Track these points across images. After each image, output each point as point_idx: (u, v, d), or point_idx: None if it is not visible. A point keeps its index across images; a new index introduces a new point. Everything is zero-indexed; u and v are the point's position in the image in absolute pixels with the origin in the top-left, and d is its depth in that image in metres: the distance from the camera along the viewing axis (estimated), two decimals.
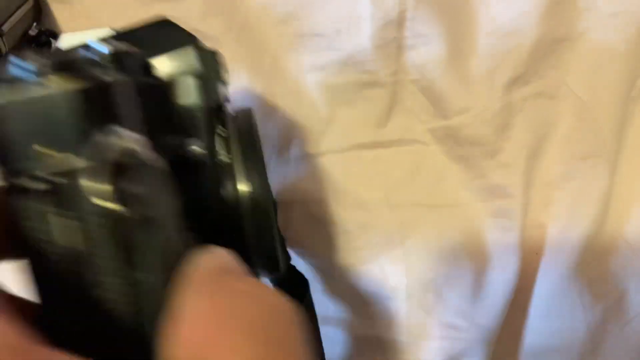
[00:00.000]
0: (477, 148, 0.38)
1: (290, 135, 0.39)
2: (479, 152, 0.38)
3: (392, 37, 0.36)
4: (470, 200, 0.39)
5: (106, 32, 0.22)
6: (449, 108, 0.37)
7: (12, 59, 0.15)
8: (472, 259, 0.39)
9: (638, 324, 0.38)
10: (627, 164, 0.38)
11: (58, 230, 0.15)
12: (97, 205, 0.14)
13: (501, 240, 0.38)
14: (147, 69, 0.21)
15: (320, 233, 0.40)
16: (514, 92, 0.37)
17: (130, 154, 0.15)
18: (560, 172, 0.38)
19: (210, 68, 0.23)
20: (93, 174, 0.14)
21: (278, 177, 0.40)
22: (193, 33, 0.36)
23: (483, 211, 0.39)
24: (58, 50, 0.20)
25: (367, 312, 0.41)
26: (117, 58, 0.17)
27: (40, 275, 0.15)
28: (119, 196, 0.15)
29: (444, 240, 0.39)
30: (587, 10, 0.35)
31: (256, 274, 0.25)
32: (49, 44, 0.39)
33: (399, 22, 0.36)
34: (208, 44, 0.37)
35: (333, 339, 0.43)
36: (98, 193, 0.14)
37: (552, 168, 0.38)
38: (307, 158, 0.39)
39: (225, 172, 0.23)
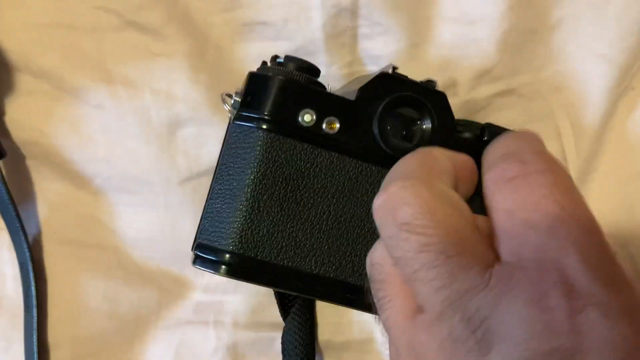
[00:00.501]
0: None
1: None
2: None
3: (346, 26, 0.34)
4: None
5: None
6: None
7: None
8: None
9: None
10: (606, 168, 0.35)
11: None
12: None
13: None
14: None
15: None
16: (479, 88, 0.34)
17: None
18: None
19: None
20: None
21: None
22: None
23: None
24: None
25: None
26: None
27: None
28: None
29: None
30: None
31: None
32: None
33: (353, 9, 0.33)
34: (147, 36, 0.34)
35: None
36: None
37: None
38: None
39: None
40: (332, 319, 0.34)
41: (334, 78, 0.34)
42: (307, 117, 0.26)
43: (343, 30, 0.34)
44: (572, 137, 0.34)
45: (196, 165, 0.34)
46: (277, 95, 0.26)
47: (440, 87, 0.34)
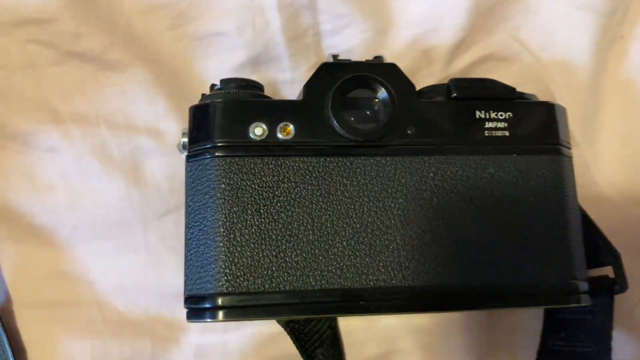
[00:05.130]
0: None
1: None
2: None
3: (307, 24, 0.32)
4: None
5: None
6: None
7: None
8: None
9: None
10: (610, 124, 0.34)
11: None
12: None
13: None
14: None
15: None
16: (457, 60, 0.32)
17: None
18: None
19: None
20: None
21: None
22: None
23: None
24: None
25: None
26: None
27: None
28: None
29: None
30: None
31: None
32: None
33: (311, 5, 0.31)
34: (90, 65, 0.31)
35: None
36: None
37: None
38: None
39: None
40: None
41: (301, 82, 0.31)
42: (258, 130, 0.25)
43: (304, 30, 0.32)
44: (565, 95, 0.33)
45: (171, 196, 0.31)
46: (220, 118, 0.25)
47: (415, 68, 0.32)
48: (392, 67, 0.26)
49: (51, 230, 0.31)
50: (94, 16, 0.31)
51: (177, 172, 0.31)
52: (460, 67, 0.33)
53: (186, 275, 0.25)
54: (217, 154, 0.24)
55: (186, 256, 0.25)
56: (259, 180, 0.24)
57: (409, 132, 0.26)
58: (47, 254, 0.31)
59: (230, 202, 0.24)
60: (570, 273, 0.26)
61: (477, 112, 0.27)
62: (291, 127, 0.25)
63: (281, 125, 0.25)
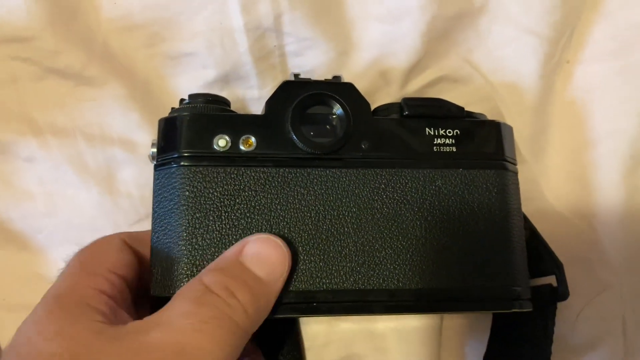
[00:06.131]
0: None
1: None
2: None
3: (272, 46, 0.33)
4: None
5: None
6: None
7: None
8: None
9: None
10: (558, 142, 0.36)
11: None
12: None
13: None
14: None
15: None
16: (412, 81, 0.35)
17: None
18: None
19: None
20: None
21: None
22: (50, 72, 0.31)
23: None
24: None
25: None
26: None
27: None
28: None
29: None
30: None
31: None
32: None
33: (277, 28, 0.33)
34: (69, 81, 0.33)
35: None
36: None
37: None
38: None
39: None
40: None
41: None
42: (222, 142, 0.26)
43: (271, 51, 0.33)
44: (514, 115, 0.35)
45: (142, 206, 0.33)
46: (186, 130, 0.27)
47: (374, 88, 0.34)
48: (349, 86, 0.28)
49: (28, 235, 0.33)
50: (73, 35, 0.32)
51: (148, 181, 0.32)
52: (415, 88, 0.35)
53: (153, 279, 0.26)
54: (182, 163, 0.26)
55: (151, 260, 0.26)
56: (221, 189, 0.26)
57: (363, 146, 0.27)
58: (25, 257, 0.33)
59: (193, 208, 0.26)
60: (513, 280, 0.28)
61: (427, 129, 0.29)
62: (253, 139, 0.27)
63: (243, 137, 0.27)
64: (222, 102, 0.29)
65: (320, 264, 0.26)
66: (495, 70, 0.35)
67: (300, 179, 0.27)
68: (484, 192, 0.28)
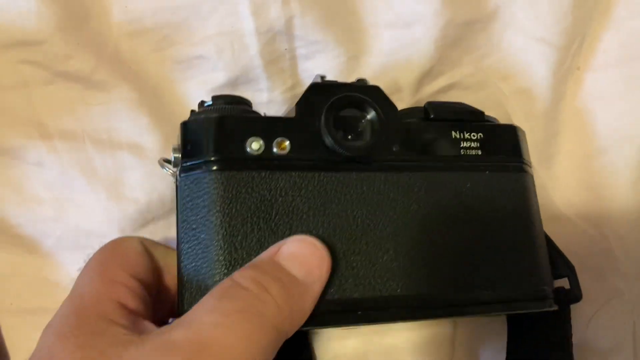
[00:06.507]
0: None
1: None
2: None
3: (283, 49, 0.33)
4: None
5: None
6: None
7: None
8: None
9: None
10: (568, 148, 0.36)
11: None
12: None
13: None
14: None
15: None
16: (424, 87, 0.34)
17: None
18: None
19: None
20: None
21: None
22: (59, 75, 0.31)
23: None
24: None
25: None
26: None
27: None
28: None
29: None
30: None
31: None
32: None
33: (288, 32, 0.33)
34: (78, 85, 0.33)
35: None
36: None
37: None
38: None
39: None
40: None
41: (277, 103, 0.34)
42: (255, 145, 0.25)
43: (281, 54, 0.33)
44: (525, 122, 0.35)
45: (148, 211, 0.33)
46: (217, 133, 0.25)
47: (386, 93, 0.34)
48: (376, 88, 0.28)
49: (37, 239, 0.33)
50: (83, 39, 0.32)
51: (155, 186, 0.32)
52: (427, 94, 0.35)
53: (182, 294, 0.24)
54: (214, 167, 0.25)
55: (181, 273, 0.25)
56: (257, 194, 0.25)
57: (394, 149, 0.27)
58: (33, 262, 0.32)
59: (229, 215, 0.24)
60: (540, 280, 0.28)
61: (453, 132, 0.29)
62: (287, 142, 0.26)
63: (278, 140, 0.26)
64: (245, 103, 0.28)
65: (362, 270, 0.25)
66: (506, 77, 0.35)
67: (335, 183, 0.26)
68: (509, 195, 0.29)
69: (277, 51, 0.33)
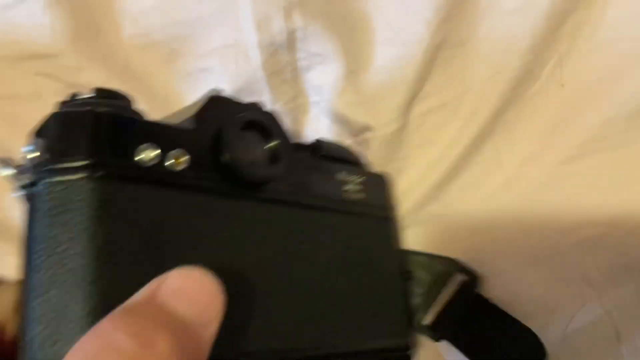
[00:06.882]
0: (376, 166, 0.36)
1: None
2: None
3: (285, 61, 0.35)
4: None
5: None
6: (353, 127, 0.35)
7: None
8: None
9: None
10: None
11: None
12: None
13: None
14: None
15: None
16: (414, 107, 0.35)
17: None
18: None
19: None
20: None
21: None
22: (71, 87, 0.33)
23: None
24: None
25: None
26: None
27: None
28: None
29: None
30: (488, 9, 0.34)
31: None
32: None
33: (290, 44, 0.34)
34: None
35: None
36: None
37: None
38: None
39: None
40: None
41: (280, 114, 0.35)
42: (147, 154, 0.20)
43: (283, 66, 0.35)
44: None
45: None
46: (104, 132, 0.20)
47: (379, 110, 0.35)
48: (276, 115, 0.26)
49: None
50: (95, 52, 0.34)
51: None
52: (416, 115, 0.35)
53: (31, 335, 0.17)
54: (97, 174, 0.19)
55: (30, 310, 0.18)
56: (145, 214, 0.20)
57: (289, 182, 0.25)
58: None
59: (111, 235, 0.19)
60: (402, 332, 0.28)
61: (338, 174, 0.28)
62: (186, 157, 0.21)
63: (174, 152, 0.21)
64: (129, 101, 0.23)
65: (246, 314, 0.22)
66: (490, 94, 0.35)
67: (229, 210, 0.22)
68: (383, 241, 0.29)
69: (279, 63, 0.35)
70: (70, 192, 0.19)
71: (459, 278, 0.33)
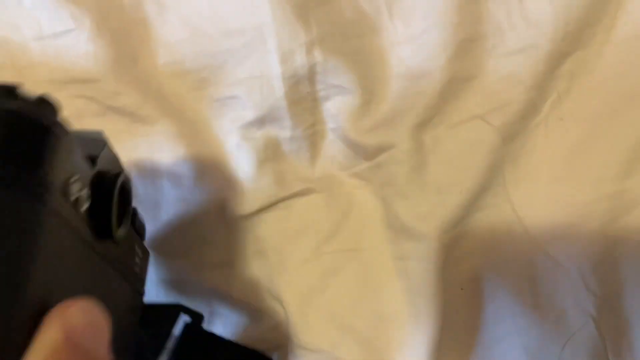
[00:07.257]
0: (392, 188, 0.38)
1: (220, 198, 0.39)
2: (394, 192, 0.38)
3: (306, 92, 0.38)
4: (383, 242, 0.39)
5: None
6: (367, 151, 0.38)
7: None
8: None
9: (578, 340, 0.38)
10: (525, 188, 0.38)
11: None
12: None
13: (413, 281, 0.38)
14: None
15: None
16: (426, 132, 0.38)
17: None
18: None
19: None
20: None
21: (218, 239, 0.39)
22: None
23: (394, 253, 0.38)
24: None
25: None
26: None
27: None
28: None
29: (364, 284, 0.39)
30: (495, 48, 0.36)
31: None
32: None
33: (310, 77, 0.37)
34: (126, 118, 0.37)
35: None
36: None
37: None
38: (238, 220, 0.39)
39: None
40: None
41: (299, 139, 0.38)
42: (76, 187, 0.19)
43: (304, 96, 0.38)
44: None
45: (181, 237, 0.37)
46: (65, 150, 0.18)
47: (388, 137, 0.38)
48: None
49: None
50: (132, 78, 0.37)
51: (189, 207, 0.37)
52: (428, 138, 0.38)
53: None
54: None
55: None
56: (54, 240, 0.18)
57: None
58: None
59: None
60: None
61: None
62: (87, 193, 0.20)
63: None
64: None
65: None
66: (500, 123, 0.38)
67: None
68: None
69: (300, 93, 0.37)
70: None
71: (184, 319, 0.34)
